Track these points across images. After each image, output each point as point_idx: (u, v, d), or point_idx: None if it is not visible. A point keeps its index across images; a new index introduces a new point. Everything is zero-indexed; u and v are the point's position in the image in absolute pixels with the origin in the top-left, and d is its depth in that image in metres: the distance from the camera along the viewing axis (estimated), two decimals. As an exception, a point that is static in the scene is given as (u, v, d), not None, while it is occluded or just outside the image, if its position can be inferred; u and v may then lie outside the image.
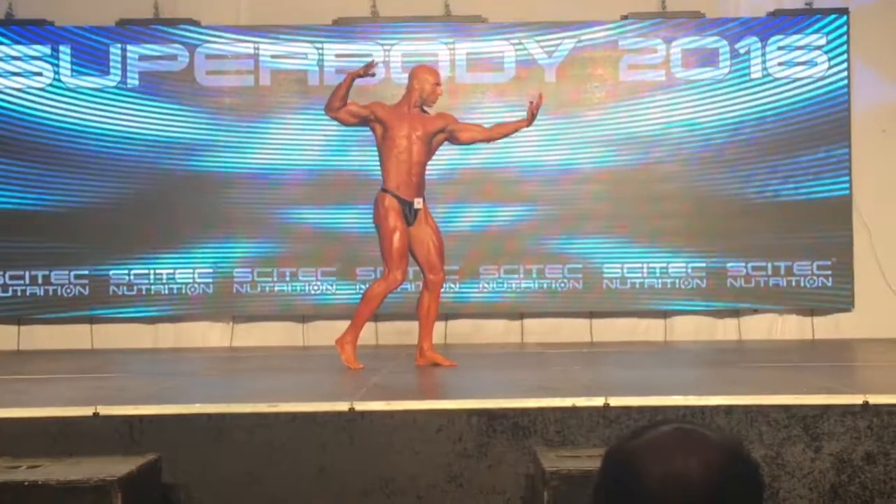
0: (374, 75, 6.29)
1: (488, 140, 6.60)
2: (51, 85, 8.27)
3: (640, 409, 4.29)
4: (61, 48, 8.28)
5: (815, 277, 8.22)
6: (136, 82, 8.29)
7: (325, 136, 8.19)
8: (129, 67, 8.28)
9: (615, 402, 4.33)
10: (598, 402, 4.35)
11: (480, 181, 8.28)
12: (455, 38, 8.33)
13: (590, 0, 8.35)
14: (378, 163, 6.29)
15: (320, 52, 8.32)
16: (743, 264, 8.23)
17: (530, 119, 6.35)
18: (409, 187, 6.14)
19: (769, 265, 8.23)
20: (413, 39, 8.30)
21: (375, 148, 6.33)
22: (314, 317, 8.39)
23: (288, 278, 8.29)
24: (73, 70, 8.27)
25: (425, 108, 6.27)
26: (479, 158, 8.26)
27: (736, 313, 8.39)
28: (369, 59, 6.41)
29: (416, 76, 6.31)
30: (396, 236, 6.08)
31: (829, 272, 8.21)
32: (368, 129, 6.33)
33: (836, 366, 6.29)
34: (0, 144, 8.22)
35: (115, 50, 8.28)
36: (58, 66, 8.27)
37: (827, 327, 8.31)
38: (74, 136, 8.25)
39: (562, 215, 8.27)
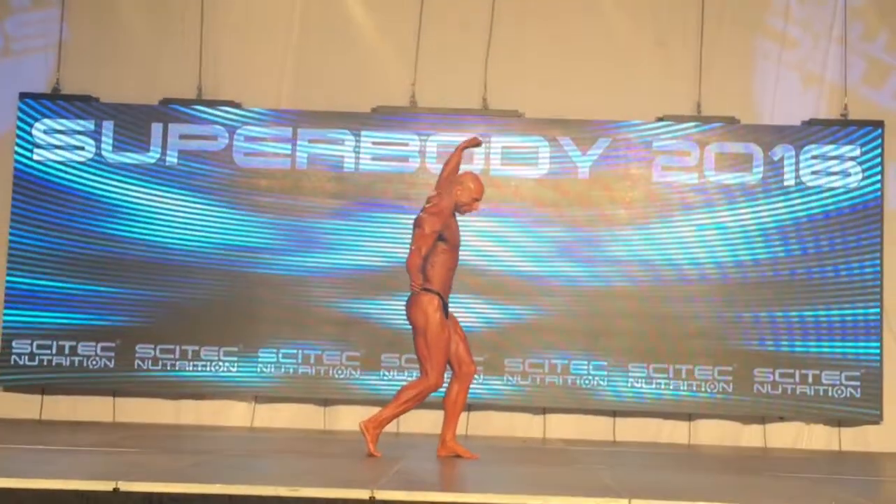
0: None
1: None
2: (92, 159, 8.42)
3: (665, 514, 4.23)
4: (104, 124, 8.45)
5: (843, 388, 8.14)
6: (175, 160, 8.44)
7: (355, 225, 8.30)
8: (169, 146, 8.43)
9: (639, 504, 4.27)
10: (621, 503, 4.29)
11: (509, 277, 8.30)
12: (491, 131, 8.44)
13: (626, 100, 8.46)
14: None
15: (357, 138, 8.45)
16: (770, 371, 8.17)
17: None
18: (450, 289, 6.15)
19: (797, 373, 8.16)
20: (449, 130, 8.40)
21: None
22: (336, 401, 8.37)
23: (312, 361, 8.29)
24: (114, 146, 8.43)
25: (457, 213, 6.22)
26: (510, 256, 8.31)
27: (762, 420, 8.31)
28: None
29: (462, 183, 6.19)
30: (445, 343, 6.00)
31: (858, 383, 8.13)
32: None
33: (864, 479, 6.18)
34: (37, 214, 8.34)
35: (156, 128, 8.44)
36: (99, 141, 8.44)
37: (855, 439, 8.20)
38: (108, 212, 8.37)
39: (588, 313, 8.27)
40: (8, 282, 8.31)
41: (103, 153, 8.43)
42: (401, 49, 8.59)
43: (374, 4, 8.70)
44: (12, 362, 8.28)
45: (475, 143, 6.50)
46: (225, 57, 8.65)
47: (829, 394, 8.14)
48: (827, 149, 8.32)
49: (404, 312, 6.18)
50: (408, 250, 6.18)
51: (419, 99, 8.55)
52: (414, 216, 6.26)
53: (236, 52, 8.65)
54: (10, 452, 5.86)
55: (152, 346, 8.29)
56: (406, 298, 6.16)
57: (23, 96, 8.50)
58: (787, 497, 4.82)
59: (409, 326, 6.16)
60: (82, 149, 8.45)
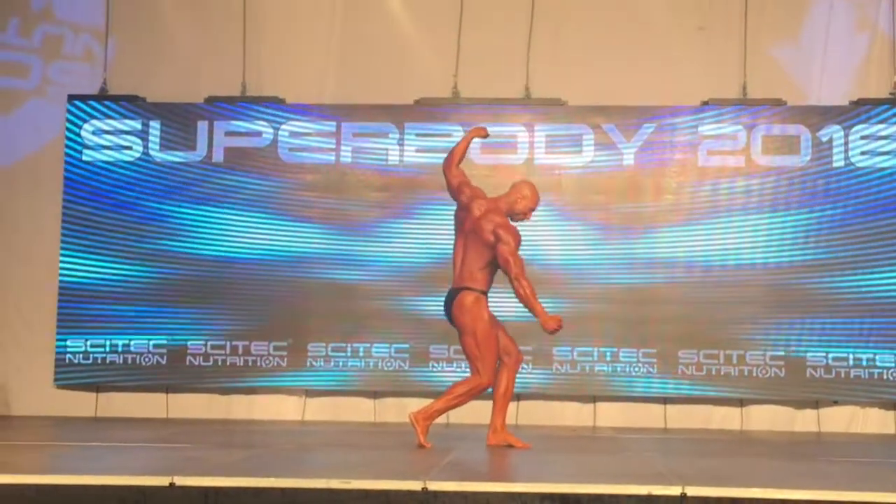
0: None
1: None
2: (139, 158, 8.52)
3: (719, 500, 4.19)
4: (151, 123, 8.54)
5: (897, 370, 8.04)
6: (221, 158, 8.50)
7: (401, 217, 8.32)
8: (215, 143, 8.50)
9: (693, 491, 4.24)
10: (674, 491, 4.26)
11: (556, 266, 8.27)
12: (535, 120, 8.42)
13: (670, 86, 8.39)
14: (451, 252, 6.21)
15: (401, 131, 8.46)
16: (823, 354, 8.08)
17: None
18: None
19: (850, 356, 8.07)
20: (493, 120, 8.39)
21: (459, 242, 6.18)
22: (385, 393, 8.41)
23: (361, 354, 8.33)
24: (161, 145, 8.52)
25: (511, 218, 6.17)
26: (557, 245, 8.28)
27: (815, 404, 8.22)
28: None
29: (520, 191, 6.16)
30: (494, 341, 6.00)
31: (913, 365, 8.03)
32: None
33: (921, 462, 6.09)
34: (89, 215, 8.46)
35: (202, 126, 8.51)
36: (147, 140, 8.53)
37: (910, 422, 8.11)
38: (157, 213, 8.45)
39: (636, 299, 8.22)
40: (61, 285, 8.43)
41: (150, 152, 8.52)
42: (442, 40, 8.58)
43: (414, -3, 8.71)
44: (67, 361, 8.41)
45: (483, 135, 6.44)
46: (268, 53, 8.70)
47: (884, 377, 8.04)
48: (876, 128, 8.20)
49: (443, 309, 6.13)
50: (451, 248, 6.14)
51: (462, 90, 8.54)
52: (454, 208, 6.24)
53: (279, 48, 8.70)
54: (67, 450, 5.96)
55: (202, 342, 8.38)
56: (445, 296, 6.12)
57: (71, 98, 8.61)
58: (844, 481, 4.77)
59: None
60: (130, 148, 8.55)
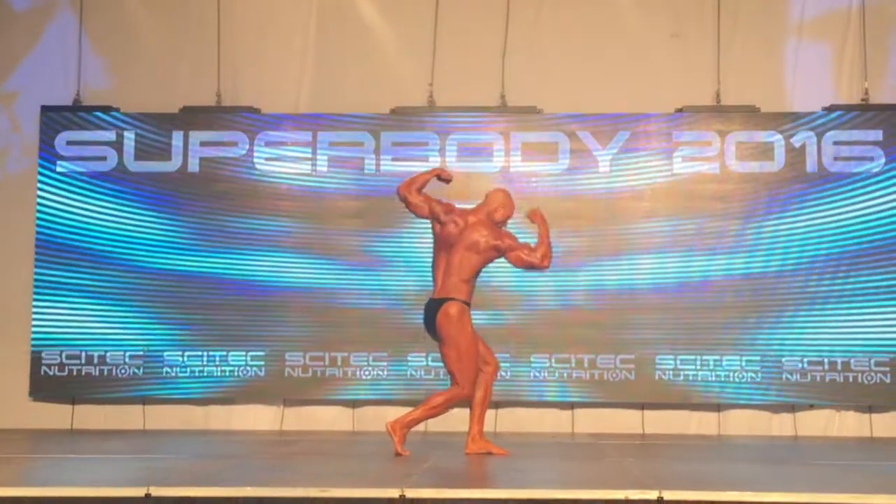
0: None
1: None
2: (114, 169, 8.48)
3: (696, 504, 4.21)
4: (125, 134, 8.50)
5: (872, 373, 8.09)
6: (197, 168, 8.48)
7: (377, 226, 8.31)
8: (190, 153, 8.48)
9: (669, 495, 4.25)
10: (651, 495, 4.28)
11: (533, 272, 8.27)
12: (510, 127, 8.44)
13: (644, 93, 8.44)
14: (430, 261, 6.24)
15: (377, 140, 8.46)
16: (799, 359, 8.13)
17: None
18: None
19: (826, 360, 8.12)
20: (469, 129, 8.42)
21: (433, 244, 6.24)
22: (364, 402, 8.39)
23: (339, 363, 8.32)
24: (136, 155, 8.48)
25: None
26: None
27: (791, 408, 8.27)
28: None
29: (497, 200, 6.19)
30: (476, 353, 6.01)
31: (888, 368, 8.08)
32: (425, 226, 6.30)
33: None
34: (64, 226, 8.40)
35: (177, 136, 8.49)
36: (121, 151, 8.49)
37: (886, 425, 8.16)
38: (132, 224, 8.41)
39: (613, 306, 8.25)
40: (36, 296, 8.38)
41: (125, 163, 8.49)
42: (417, 49, 8.60)
43: (389, 6, 8.72)
44: (42, 373, 8.35)
45: (447, 178, 6.40)
46: (243, 63, 8.69)
47: (859, 380, 8.09)
48: (849, 134, 8.27)
49: (424, 321, 6.12)
50: (430, 256, 6.18)
51: (437, 98, 8.56)
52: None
53: (254, 58, 8.69)
54: (43, 462, 5.92)
55: (179, 353, 8.34)
56: (425, 307, 6.12)
57: (44, 109, 8.57)
58: (820, 484, 4.80)
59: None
60: (104, 159, 8.51)
